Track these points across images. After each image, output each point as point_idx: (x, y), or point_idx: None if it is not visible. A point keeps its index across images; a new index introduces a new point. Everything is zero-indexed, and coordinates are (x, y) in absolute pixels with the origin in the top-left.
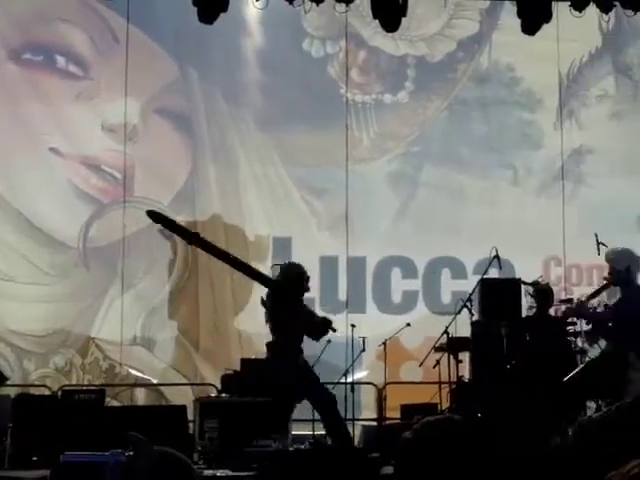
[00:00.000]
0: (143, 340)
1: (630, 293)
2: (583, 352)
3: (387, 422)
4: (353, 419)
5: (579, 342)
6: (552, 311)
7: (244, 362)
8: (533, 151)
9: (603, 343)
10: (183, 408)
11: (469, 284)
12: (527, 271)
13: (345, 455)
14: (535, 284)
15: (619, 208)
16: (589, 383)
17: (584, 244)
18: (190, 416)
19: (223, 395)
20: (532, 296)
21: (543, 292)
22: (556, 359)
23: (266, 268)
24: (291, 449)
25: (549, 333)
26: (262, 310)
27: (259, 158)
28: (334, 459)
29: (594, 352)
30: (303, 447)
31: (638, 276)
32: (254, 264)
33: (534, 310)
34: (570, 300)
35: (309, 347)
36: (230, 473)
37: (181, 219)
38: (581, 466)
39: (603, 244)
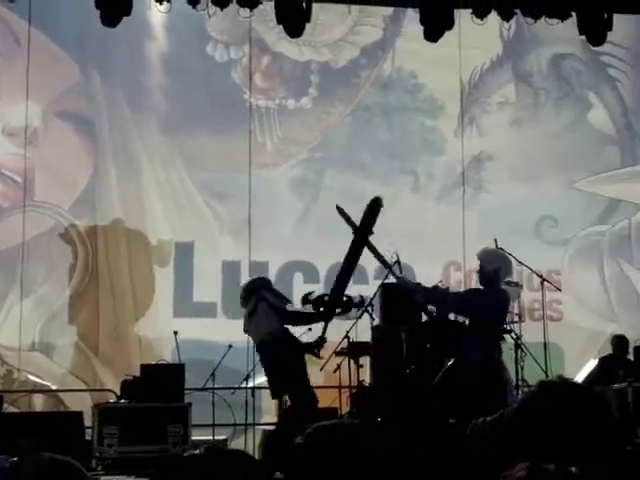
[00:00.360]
0: (42, 346)
1: (486, 295)
2: None
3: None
4: (254, 424)
5: None
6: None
7: (144, 368)
8: (434, 157)
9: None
10: (79, 414)
11: (370, 289)
12: (427, 276)
13: (240, 460)
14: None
15: (518, 214)
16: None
17: None
18: (89, 422)
19: (122, 401)
20: None
21: None
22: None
23: (168, 273)
24: (186, 454)
25: (449, 337)
26: (163, 316)
27: (162, 162)
28: (229, 464)
29: None
30: (198, 452)
31: (505, 278)
32: (156, 269)
33: (434, 315)
34: None
35: (210, 352)
36: (127, 479)
37: (81, 223)
38: (473, 468)
39: (502, 249)
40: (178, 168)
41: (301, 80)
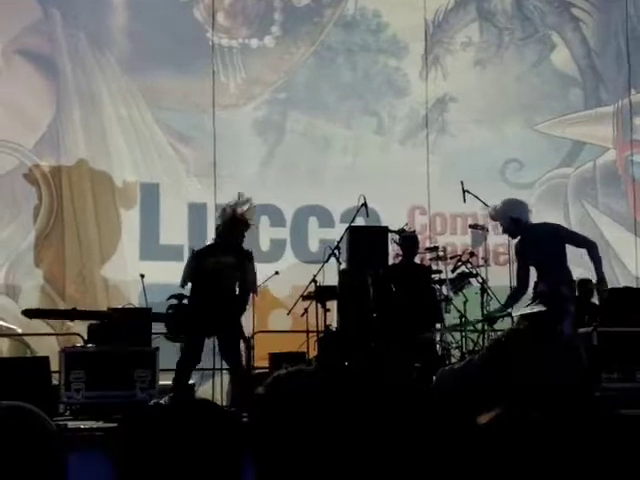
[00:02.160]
0: (7, 288)
1: (533, 236)
2: (448, 300)
3: (255, 371)
4: (222, 368)
5: (444, 290)
6: (418, 259)
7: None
8: (398, 99)
9: (467, 291)
10: (46, 359)
11: (336, 232)
12: (392, 220)
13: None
14: (401, 232)
15: (483, 157)
16: None
17: (448, 193)
18: (56, 366)
19: (89, 345)
20: (398, 244)
21: (409, 239)
22: (422, 307)
23: (134, 215)
24: (152, 403)
25: (415, 281)
26: (129, 258)
27: (125, 103)
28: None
29: (458, 300)
30: (163, 401)
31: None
32: (122, 211)
33: (400, 258)
34: (436, 248)
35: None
36: (95, 424)
37: (45, 164)
38: (439, 415)
39: (469, 192)
40: (142, 108)
41: (264, 18)
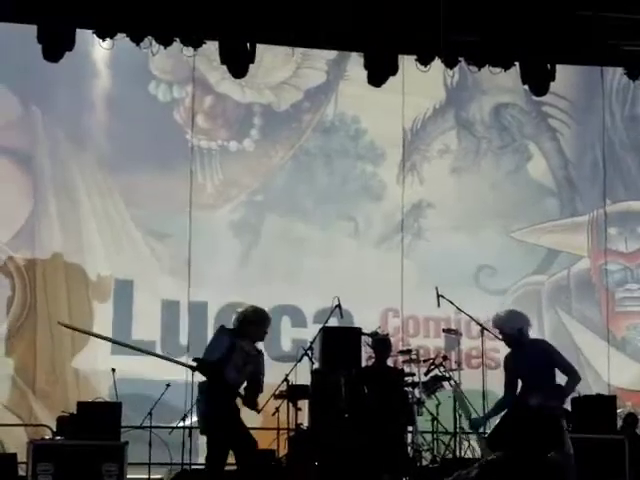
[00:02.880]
0: None
1: (526, 350)
2: (420, 403)
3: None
4: (190, 463)
5: (416, 393)
6: (391, 362)
7: (80, 405)
8: (374, 203)
9: (440, 394)
10: (13, 456)
11: (309, 332)
12: (365, 322)
13: None
14: (374, 334)
15: (457, 262)
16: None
17: (421, 296)
18: (23, 458)
19: (58, 437)
20: (371, 346)
21: (382, 342)
22: (393, 409)
23: (107, 309)
24: None
25: (387, 383)
26: (101, 350)
27: (102, 200)
28: None
29: (430, 402)
30: None
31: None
32: (95, 304)
33: (373, 360)
34: (409, 351)
35: (150, 389)
36: None
37: (20, 256)
38: None
39: (443, 296)
40: (118, 206)
41: (243, 122)
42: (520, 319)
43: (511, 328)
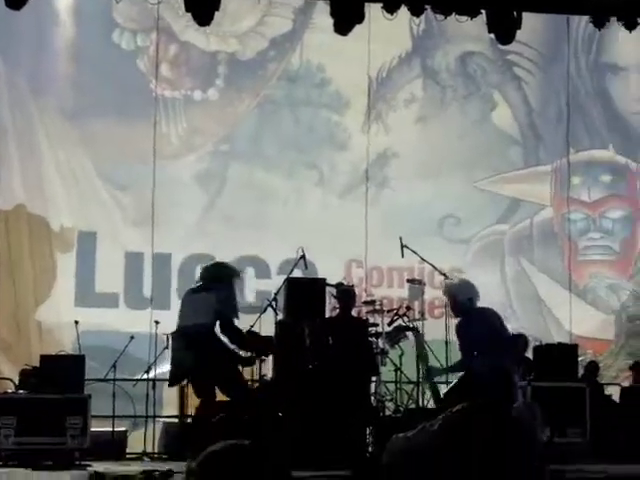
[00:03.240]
0: None
1: (470, 319)
2: (384, 353)
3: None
4: (154, 416)
5: (380, 343)
6: (355, 312)
7: (43, 358)
8: (339, 153)
9: (404, 344)
10: None
11: (273, 283)
12: (330, 272)
13: None
14: (339, 285)
15: (421, 211)
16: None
17: (385, 246)
18: None
19: (21, 391)
20: (335, 297)
21: (346, 293)
22: (358, 360)
23: (70, 260)
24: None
25: (351, 334)
26: (64, 301)
27: (64, 149)
28: None
29: (394, 353)
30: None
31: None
32: (58, 255)
33: (337, 311)
34: (372, 302)
35: (114, 341)
36: (24, 471)
37: None
38: None
39: (407, 246)
40: (81, 156)
41: (208, 71)
42: (472, 289)
43: (463, 297)
